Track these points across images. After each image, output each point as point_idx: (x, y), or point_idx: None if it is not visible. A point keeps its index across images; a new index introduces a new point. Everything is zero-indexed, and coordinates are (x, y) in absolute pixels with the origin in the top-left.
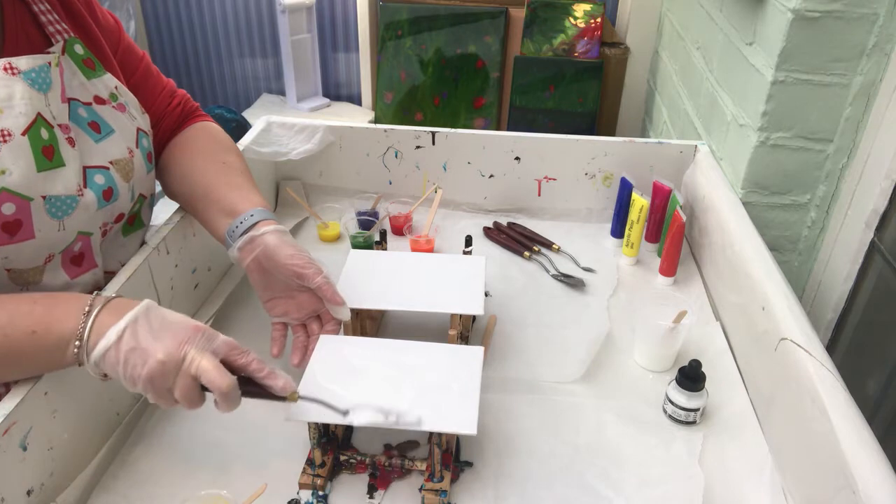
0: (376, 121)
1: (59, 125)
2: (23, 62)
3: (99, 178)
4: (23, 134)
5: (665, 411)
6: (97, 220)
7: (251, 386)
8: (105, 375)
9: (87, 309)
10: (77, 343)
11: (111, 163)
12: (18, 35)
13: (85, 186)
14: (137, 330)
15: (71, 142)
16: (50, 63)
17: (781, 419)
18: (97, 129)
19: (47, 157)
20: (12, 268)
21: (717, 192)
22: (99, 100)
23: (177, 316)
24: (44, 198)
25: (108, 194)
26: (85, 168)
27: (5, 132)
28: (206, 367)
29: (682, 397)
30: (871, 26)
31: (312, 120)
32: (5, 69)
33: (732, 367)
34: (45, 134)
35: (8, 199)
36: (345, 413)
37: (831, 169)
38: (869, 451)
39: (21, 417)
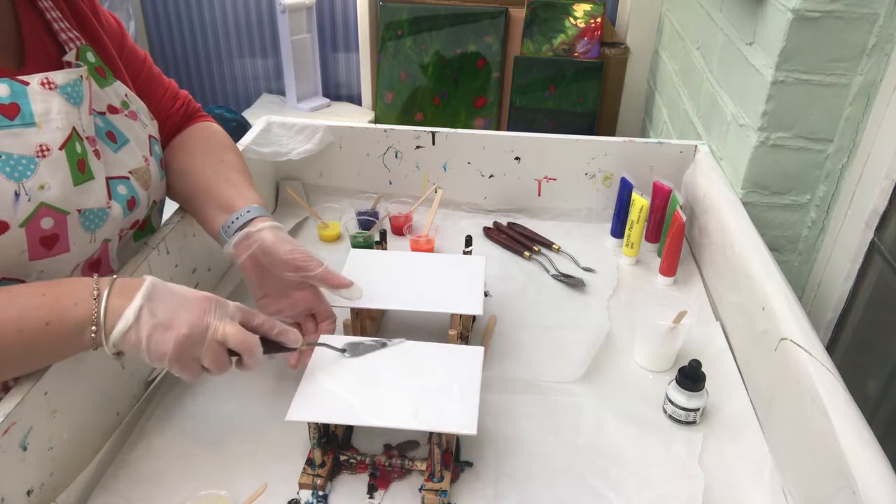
0: (376, 121)
1: (87, 138)
2: (59, 77)
3: (122, 189)
4: (60, 148)
5: (665, 411)
6: (117, 228)
7: (264, 343)
8: (118, 354)
9: (95, 293)
10: (93, 328)
11: (130, 172)
12: (36, 44)
13: (110, 198)
14: (154, 307)
15: (97, 154)
16: (81, 76)
17: (781, 419)
18: (113, 138)
19: (81, 170)
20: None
21: (717, 192)
22: (112, 109)
23: (184, 288)
24: (79, 211)
25: (131, 204)
26: (108, 179)
27: (44, 147)
28: (231, 331)
29: (682, 397)
30: (871, 26)
31: (312, 120)
32: (42, 84)
33: (732, 367)
34: (78, 148)
35: (47, 213)
36: (343, 350)
37: (831, 169)
38: (869, 451)
39: (21, 417)
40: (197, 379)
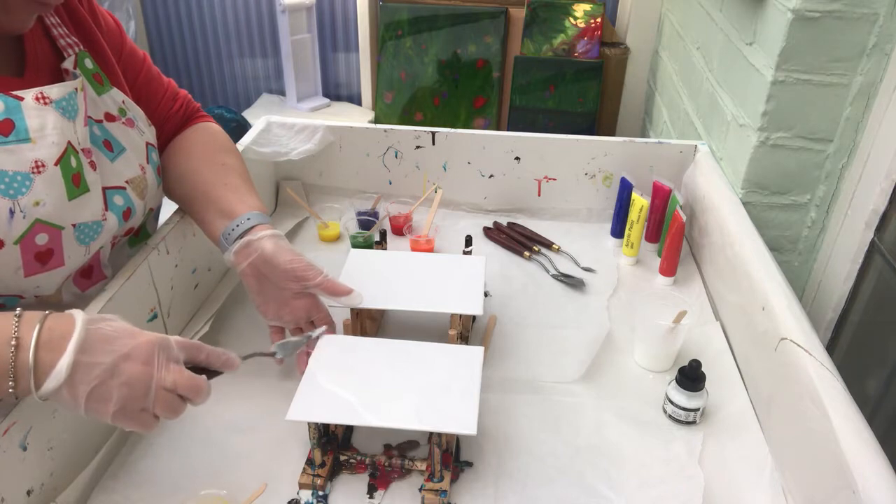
0: (376, 121)
1: (83, 149)
2: (54, 91)
3: (118, 200)
4: (55, 164)
5: (665, 411)
6: (111, 237)
7: (207, 371)
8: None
9: (13, 342)
10: (11, 383)
11: (127, 182)
12: (37, 51)
13: (106, 209)
14: (89, 360)
15: (93, 165)
16: (76, 88)
17: (781, 419)
18: (110, 147)
19: (76, 184)
20: (41, 294)
21: (717, 192)
22: (109, 116)
23: (122, 329)
24: (74, 226)
25: (127, 214)
26: (104, 189)
27: (39, 163)
28: (179, 378)
29: (682, 397)
30: (871, 26)
31: (312, 120)
32: (37, 99)
33: (732, 367)
34: (73, 162)
35: (42, 229)
36: (273, 353)
37: (831, 169)
38: (869, 451)
39: (21, 417)
40: (152, 429)
